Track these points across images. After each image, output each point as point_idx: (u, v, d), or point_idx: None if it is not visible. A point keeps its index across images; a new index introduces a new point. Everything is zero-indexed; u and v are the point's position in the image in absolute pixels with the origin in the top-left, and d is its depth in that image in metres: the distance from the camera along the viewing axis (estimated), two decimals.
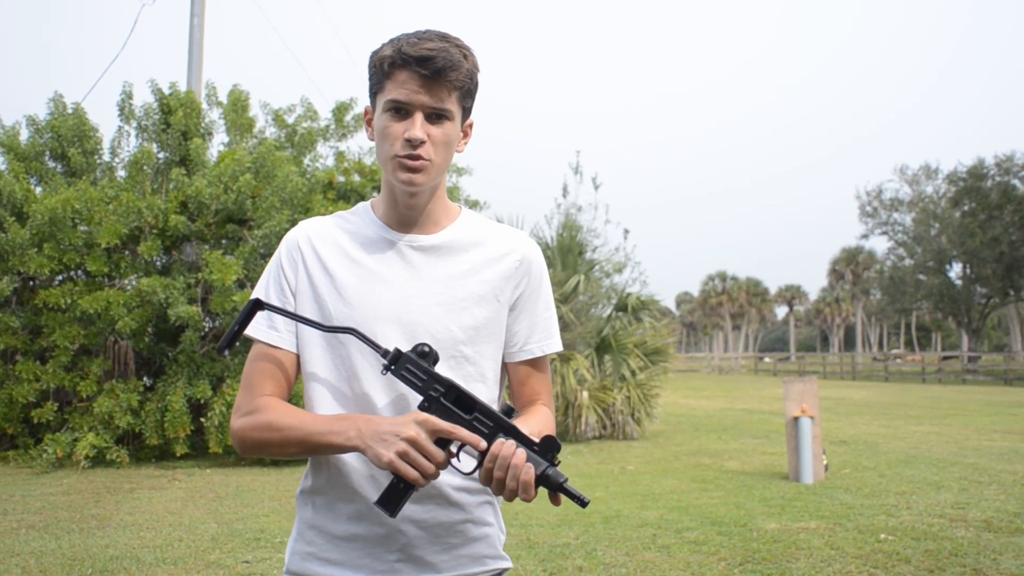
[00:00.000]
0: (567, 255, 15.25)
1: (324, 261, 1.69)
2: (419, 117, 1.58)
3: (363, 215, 1.75)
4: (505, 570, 1.76)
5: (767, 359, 61.62)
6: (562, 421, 13.56)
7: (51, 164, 12.15)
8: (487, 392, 1.71)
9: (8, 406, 10.49)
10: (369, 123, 1.71)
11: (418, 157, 1.59)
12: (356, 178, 13.35)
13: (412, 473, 1.42)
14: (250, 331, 1.67)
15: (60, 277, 11.26)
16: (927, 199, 47.09)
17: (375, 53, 1.63)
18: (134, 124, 12.33)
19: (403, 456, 1.42)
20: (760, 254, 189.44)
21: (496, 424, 1.47)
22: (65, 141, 11.90)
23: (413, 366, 1.50)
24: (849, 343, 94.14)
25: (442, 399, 1.49)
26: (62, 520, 7.14)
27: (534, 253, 1.79)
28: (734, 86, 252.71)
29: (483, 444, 1.44)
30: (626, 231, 17.64)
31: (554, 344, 1.81)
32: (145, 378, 11.46)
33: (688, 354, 75.35)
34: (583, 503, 1.44)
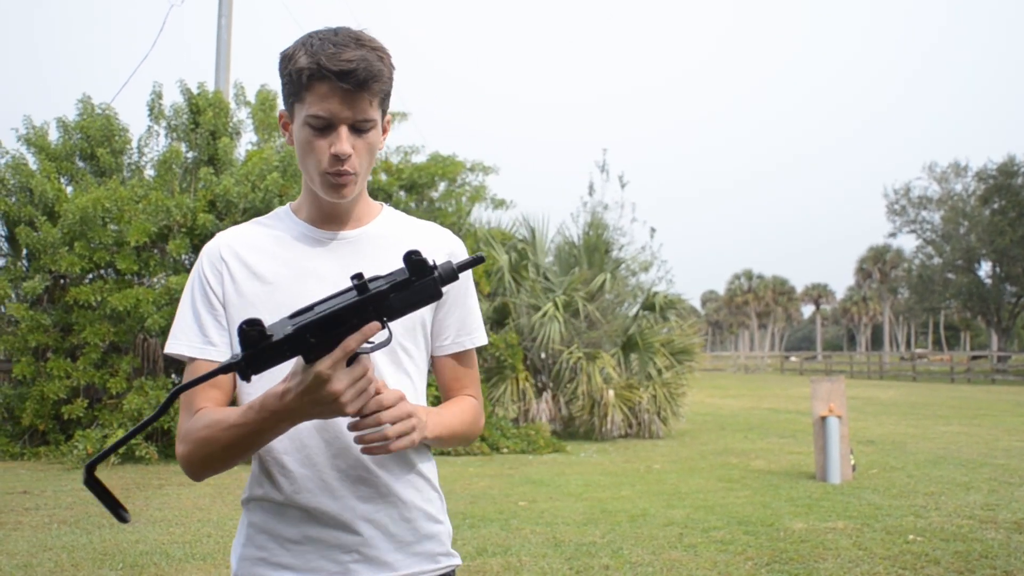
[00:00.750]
0: (593, 253, 15.24)
1: (251, 266, 1.65)
2: (344, 131, 1.54)
3: (284, 218, 1.72)
4: (456, 567, 1.75)
5: (793, 358, 61.21)
6: (588, 419, 13.57)
7: (81, 164, 12.29)
8: (420, 381, 1.71)
9: (39, 403, 10.62)
10: (286, 127, 1.66)
11: (346, 172, 1.57)
12: (383, 177, 13.42)
13: (366, 400, 1.39)
14: (183, 349, 1.62)
15: (90, 275, 11.39)
16: (956, 197, 46.71)
17: (288, 59, 1.56)
18: (163, 124, 12.46)
19: (349, 404, 1.36)
20: (786, 252, 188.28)
21: (366, 305, 1.35)
22: (94, 141, 12.04)
23: (261, 354, 1.33)
24: (876, 342, 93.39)
25: (311, 340, 1.34)
26: (92, 515, 7.22)
27: (461, 249, 1.78)
28: (760, 85, 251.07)
29: (376, 325, 1.35)
30: (652, 229, 17.62)
31: (480, 337, 1.81)
32: (173, 375, 11.57)
33: (714, 353, 75.09)
34: (480, 259, 1.42)
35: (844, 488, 8.67)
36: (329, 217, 1.68)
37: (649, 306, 15.15)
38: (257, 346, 1.32)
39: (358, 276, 1.34)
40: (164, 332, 10.77)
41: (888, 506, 7.69)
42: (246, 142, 13.29)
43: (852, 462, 9.35)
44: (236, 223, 11.09)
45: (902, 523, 6.94)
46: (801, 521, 7.06)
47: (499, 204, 14.64)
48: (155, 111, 12.44)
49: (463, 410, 1.74)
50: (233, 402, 1.65)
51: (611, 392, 13.46)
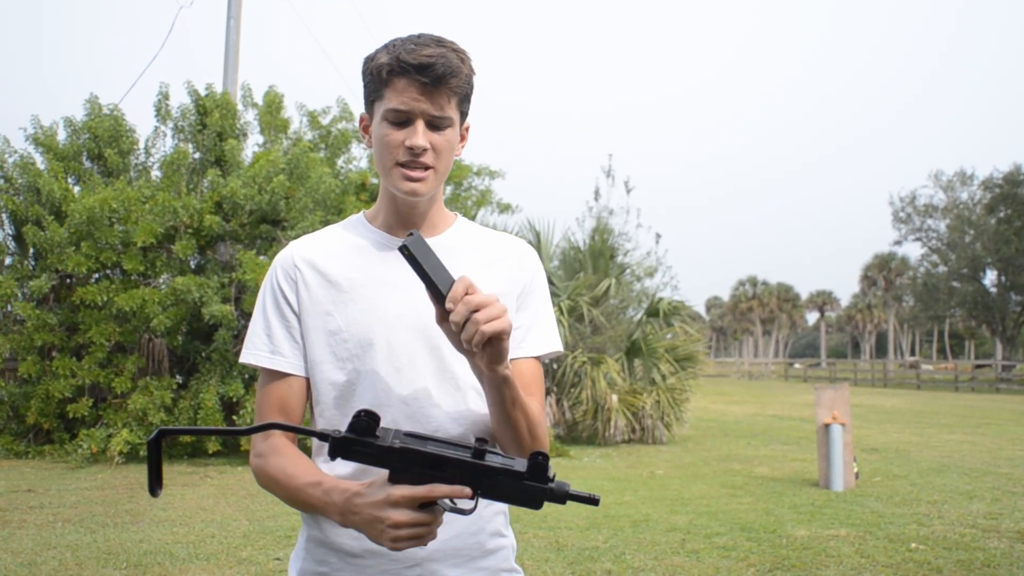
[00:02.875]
0: (598, 259, 15.25)
1: (326, 273, 1.64)
2: (420, 125, 1.55)
3: (358, 226, 1.71)
4: None
5: (797, 365, 61.21)
6: (591, 424, 13.57)
7: (88, 164, 12.34)
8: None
9: (45, 401, 10.66)
10: (365, 130, 1.66)
11: (421, 165, 1.57)
12: None
13: (416, 545, 1.38)
14: (253, 359, 1.64)
15: (97, 275, 11.43)
16: (962, 205, 46.64)
17: (370, 60, 1.59)
18: (170, 125, 12.50)
19: (397, 540, 1.35)
20: (791, 259, 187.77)
21: (473, 470, 1.32)
22: (102, 142, 12.08)
23: (358, 446, 1.32)
24: (881, 350, 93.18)
25: (407, 467, 1.33)
26: (97, 514, 7.24)
27: (531, 257, 1.76)
28: (760, 81, 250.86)
29: (467, 491, 1.32)
30: (658, 235, 17.59)
31: (545, 344, 1.70)
32: (178, 376, 11.60)
33: (718, 359, 75.00)
34: (594, 501, 1.35)
35: (847, 496, 8.67)
36: (405, 223, 1.67)
37: (653, 312, 15.14)
38: (362, 437, 1.32)
39: (481, 440, 1.32)
40: (169, 332, 10.83)
41: (891, 514, 7.68)
42: (253, 144, 13.32)
43: (855, 470, 9.34)
44: (242, 225, 11.24)
45: (905, 531, 6.94)
46: (804, 528, 7.06)
47: (504, 208, 14.66)
48: (162, 112, 12.48)
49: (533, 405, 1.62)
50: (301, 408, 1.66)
51: (615, 397, 13.45)
